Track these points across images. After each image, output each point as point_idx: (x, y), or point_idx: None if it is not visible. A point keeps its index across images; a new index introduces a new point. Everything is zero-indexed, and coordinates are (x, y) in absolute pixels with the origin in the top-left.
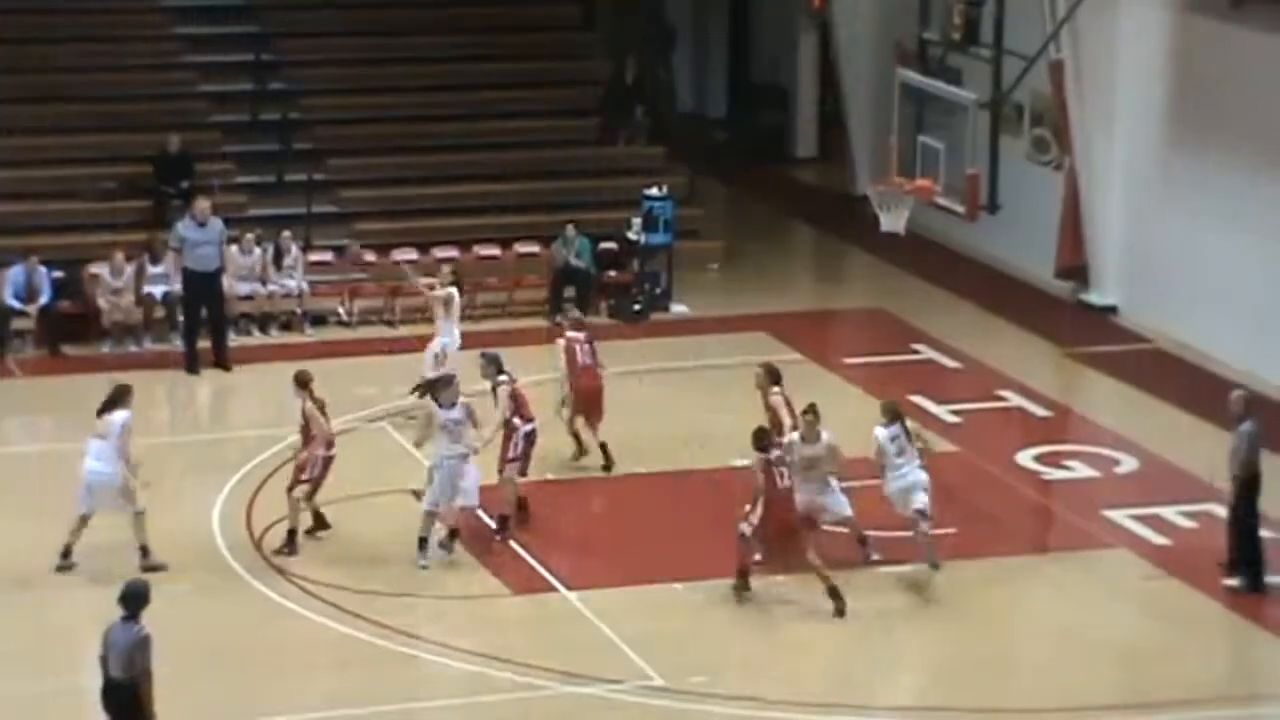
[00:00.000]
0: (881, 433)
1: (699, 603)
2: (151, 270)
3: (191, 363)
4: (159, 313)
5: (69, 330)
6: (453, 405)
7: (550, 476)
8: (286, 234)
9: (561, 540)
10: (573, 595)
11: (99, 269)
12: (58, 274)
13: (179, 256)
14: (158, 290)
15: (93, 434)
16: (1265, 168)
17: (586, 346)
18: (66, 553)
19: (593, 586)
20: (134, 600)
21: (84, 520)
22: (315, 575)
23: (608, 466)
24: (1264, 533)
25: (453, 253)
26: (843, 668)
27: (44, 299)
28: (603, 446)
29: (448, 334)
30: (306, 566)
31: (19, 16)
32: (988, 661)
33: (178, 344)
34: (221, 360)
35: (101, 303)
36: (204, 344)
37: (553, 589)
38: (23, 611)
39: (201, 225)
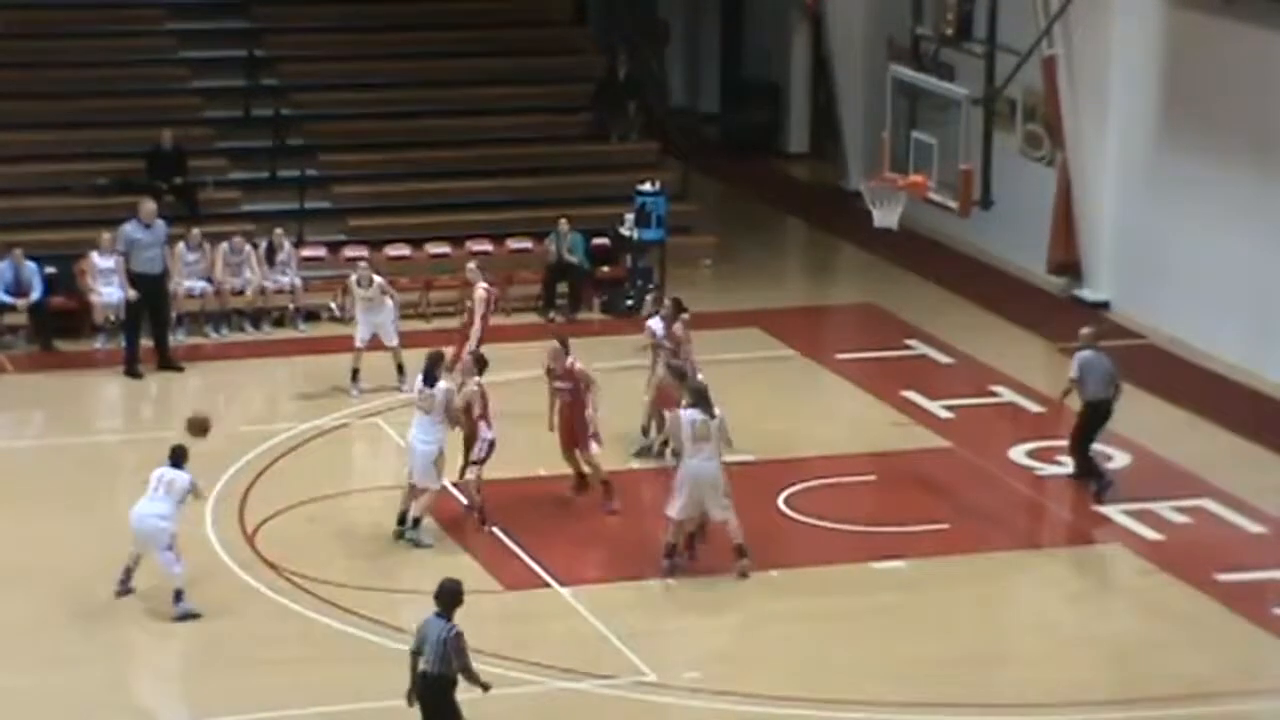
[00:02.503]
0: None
1: (692, 599)
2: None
3: (133, 365)
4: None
5: (62, 326)
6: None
7: (543, 472)
8: (279, 230)
9: (554, 535)
10: (565, 591)
11: (88, 259)
12: (50, 270)
13: (126, 260)
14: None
15: (416, 405)
16: (1257, 163)
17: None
18: (402, 519)
19: (585, 582)
20: (447, 598)
21: (412, 489)
22: (308, 571)
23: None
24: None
25: (445, 249)
26: (835, 663)
27: (36, 294)
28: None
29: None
30: (300, 562)
31: (10, 12)
32: (980, 656)
33: (169, 338)
34: (168, 361)
35: (93, 297)
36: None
37: (545, 584)
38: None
39: (147, 227)
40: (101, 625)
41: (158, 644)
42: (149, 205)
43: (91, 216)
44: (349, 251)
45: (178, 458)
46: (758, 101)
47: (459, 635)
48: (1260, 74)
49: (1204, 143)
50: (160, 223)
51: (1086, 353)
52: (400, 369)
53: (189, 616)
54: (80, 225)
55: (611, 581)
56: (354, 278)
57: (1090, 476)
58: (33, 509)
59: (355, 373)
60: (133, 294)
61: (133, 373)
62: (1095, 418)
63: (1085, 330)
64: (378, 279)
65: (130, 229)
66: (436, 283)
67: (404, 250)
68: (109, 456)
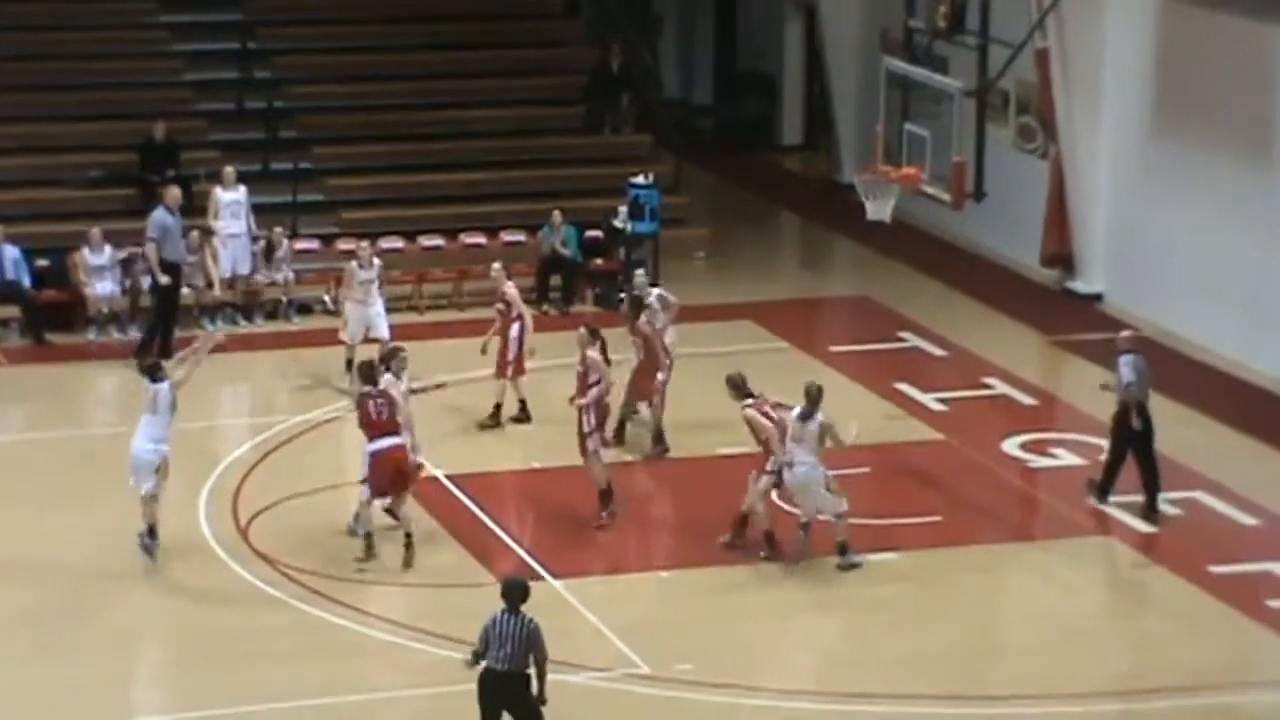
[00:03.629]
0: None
1: (685, 591)
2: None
3: (166, 353)
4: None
5: (55, 319)
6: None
7: (536, 465)
8: (279, 230)
9: (548, 528)
10: (558, 583)
11: (80, 255)
12: (42, 263)
13: (158, 247)
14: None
15: None
16: (1250, 155)
17: None
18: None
19: (579, 575)
20: (516, 594)
21: None
22: (301, 563)
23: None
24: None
25: (438, 241)
26: (828, 655)
27: (25, 281)
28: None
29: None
30: (293, 554)
31: (3, 4)
32: (973, 649)
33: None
34: (170, 352)
35: (87, 291)
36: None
37: (538, 577)
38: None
39: (173, 215)
40: (94, 618)
41: (151, 636)
42: (175, 191)
43: (84, 209)
44: (342, 244)
45: (153, 372)
46: (751, 94)
47: (538, 629)
48: (1253, 66)
49: (1197, 135)
50: (178, 212)
51: (1133, 355)
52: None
53: (149, 553)
54: (72, 218)
55: (605, 574)
56: (354, 263)
57: (1102, 487)
58: (28, 502)
59: (350, 363)
60: (165, 279)
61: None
62: (1137, 421)
63: (1126, 333)
64: (378, 261)
65: (162, 216)
66: (429, 275)
67: (397, 243)
68: (104, 449)
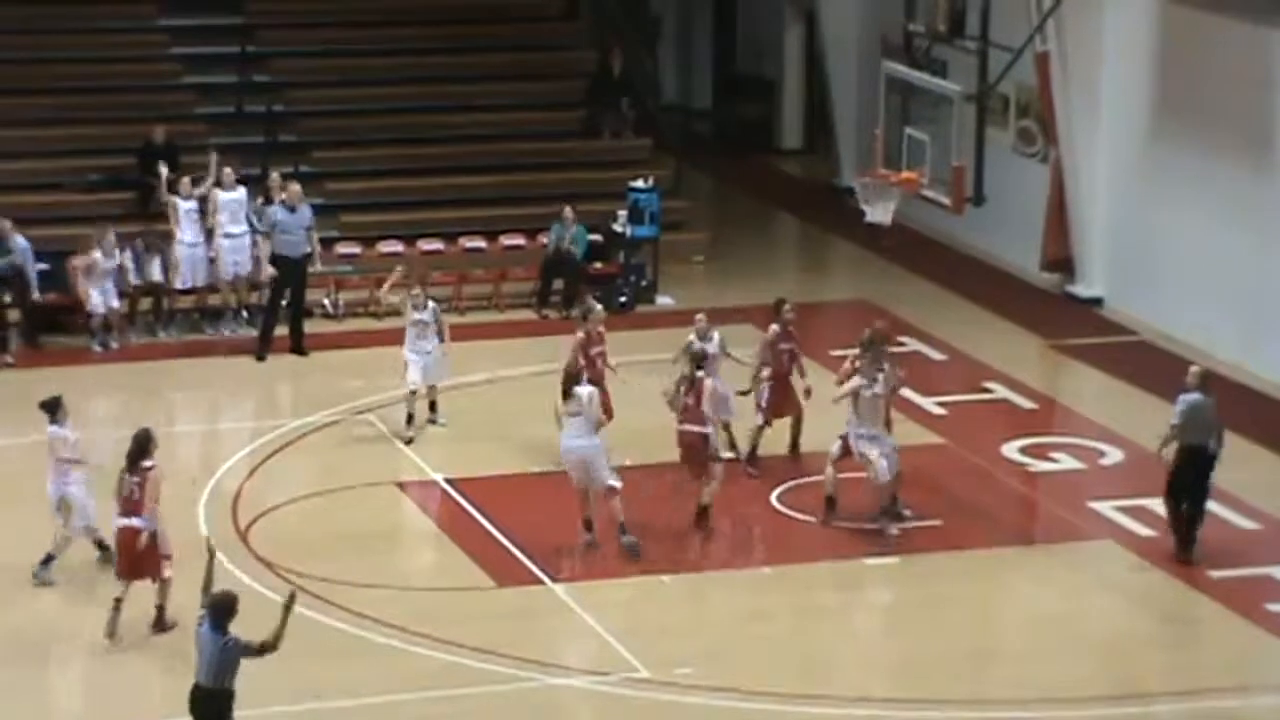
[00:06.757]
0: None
1: (685, 595)
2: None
3: (264, 349)
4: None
5: (53, 323)
6: None
7: (535, 469)
8: (275, 175)
9: (547, 532)
10: (558, 587)
11: (87, 258)
12: (43, 266)
13: (268, 241)
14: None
15: (568, 411)
16: (1251, 158)
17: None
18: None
19: (578, 579)
20: (219, 611)
21: (585, 493)
22: (300, 567)
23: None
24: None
25: (438, 245)
26: (828, 660)
27: (32, 275)
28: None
29: None
30: (293, 558)
31: (3, 8)
32: (973, 653)
33: (163, 336)
34: (299, 347)
35: (94, 293)
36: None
37: (538, 581)
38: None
39: (291, 210)
40: (93, 621)
41: (149, 640)
42: (295, 187)
43: (84, 213)
44: (341, 248)
45: (49, 411)
46: (751, 98)
47: (235, 644)
48: (1253, 69)
49: (1197, 138)
50: (306, 207)
51: (1194, 396)
52: (434, 405)
53: (43, 584)
54: (72, 222)
55: (605, 578)
56: (410, 304)
57: (1179, 533)
58: (28, 507)
59: (410, 417)
60: (271, 271)
61: (263, 356)
62: (1189, 465)
63: (1194, 369)
64: (433, 303)
65: (275, 211)
66: (431, 279)
67: (397, 247)
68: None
